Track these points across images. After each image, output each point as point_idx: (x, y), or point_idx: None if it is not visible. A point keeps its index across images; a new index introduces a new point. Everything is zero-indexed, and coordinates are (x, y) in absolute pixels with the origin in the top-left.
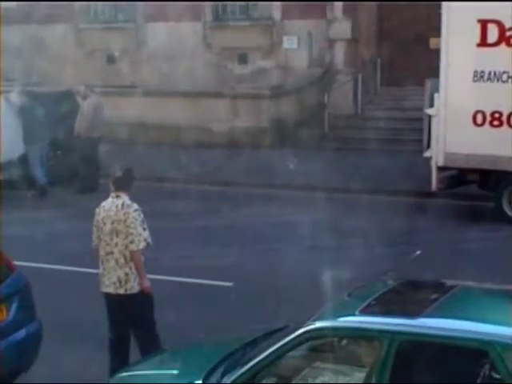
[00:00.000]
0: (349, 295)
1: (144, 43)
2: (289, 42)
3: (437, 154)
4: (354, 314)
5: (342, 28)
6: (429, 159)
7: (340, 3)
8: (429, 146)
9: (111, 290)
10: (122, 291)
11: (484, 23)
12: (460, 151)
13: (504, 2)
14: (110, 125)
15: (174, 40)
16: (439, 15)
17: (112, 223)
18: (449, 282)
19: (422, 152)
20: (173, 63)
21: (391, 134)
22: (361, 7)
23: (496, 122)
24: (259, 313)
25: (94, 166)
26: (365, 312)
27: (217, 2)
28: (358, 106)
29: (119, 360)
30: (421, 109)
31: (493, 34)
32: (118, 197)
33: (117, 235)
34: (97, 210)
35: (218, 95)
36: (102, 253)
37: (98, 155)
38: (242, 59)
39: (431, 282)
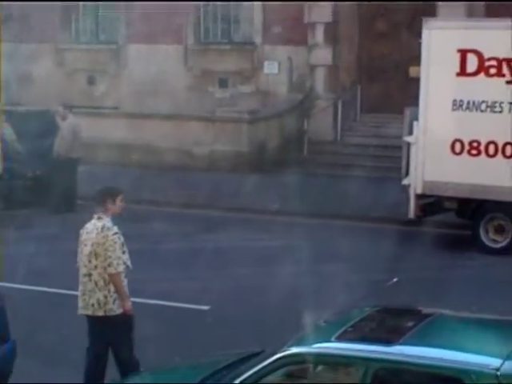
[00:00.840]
0: (325, 321)
1: (125, 65)
2: (269, 67)
3: (415, 182)
4: (330, 341)
5: (323, 54)
6: (407, 187)
7: (321, 29)
8: (407, 173)
9: (89, 311)
10: (101, 313)
11: (464, 53)
12: (438, 179)
13: (483, 31)
14: (90, 146)
15: (156, 62)
16: (419, 44)
17: (92, 245)
18: (425, 310)
19: (400, 179)
20: (154, 85)
21: (370, 161)
22: (342, 34)
23: (474, 151)
24: (236, 337)
25: (72, 187)
26: (341, 338)
27: (199, 25)
28: (338, 132)
29: (94, 379)
30: (400, 136)
31: (472, 63)
32: (99, 218)
33: (96, 258)
34: (80, 231)
35: (198, 118)
36: (80, 274)
37: (76, 176)
38: (223, 83)
39: (408, 310)
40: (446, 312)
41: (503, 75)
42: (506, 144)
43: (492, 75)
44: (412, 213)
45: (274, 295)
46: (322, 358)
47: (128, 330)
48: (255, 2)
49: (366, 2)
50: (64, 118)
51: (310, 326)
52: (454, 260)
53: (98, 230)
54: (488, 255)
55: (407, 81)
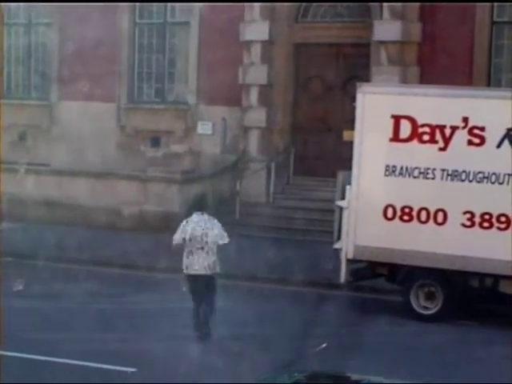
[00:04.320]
0: None
1: (57, 121)
2: (203, 128)
3: (347, 246)
4: None
5: (257, 116)
6: (339, 251)
7: (256, 91)
8: (339, 237)
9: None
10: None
11: (397, 119)
12: (370, 244)
13: (417, 97)
14: (15, 203)
15: (88, 119)
16: (353, 108)
17: (203, 229)
18: (354, 376)
19: (332, 243)
20: (85, 142)
21: (302, 224)
22: (276, 96)
23: (406, 217)
24: None
25: None
26: None
27: (132, 84)
28: (270, 194)
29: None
30: (333, 200)
31: (405, 129)
32: (202, 213)
33: (207, 236)
34: (184, 223)
35: (128, 177)
36: (194, 247)
37: None
38: (155, 142)
39: (337, 376)
40: (375, 378)
41: (436, 142)
42: (437, 211)
43: (425, 142)
44: (343, 277)
45: (199, 358)
46: None
47: None
48: (189, 63)
49: (303, 64)
50: None
51: None
52: (384, 326)
53: (205, 220)
54: (419, 322)
55: (341, 144)
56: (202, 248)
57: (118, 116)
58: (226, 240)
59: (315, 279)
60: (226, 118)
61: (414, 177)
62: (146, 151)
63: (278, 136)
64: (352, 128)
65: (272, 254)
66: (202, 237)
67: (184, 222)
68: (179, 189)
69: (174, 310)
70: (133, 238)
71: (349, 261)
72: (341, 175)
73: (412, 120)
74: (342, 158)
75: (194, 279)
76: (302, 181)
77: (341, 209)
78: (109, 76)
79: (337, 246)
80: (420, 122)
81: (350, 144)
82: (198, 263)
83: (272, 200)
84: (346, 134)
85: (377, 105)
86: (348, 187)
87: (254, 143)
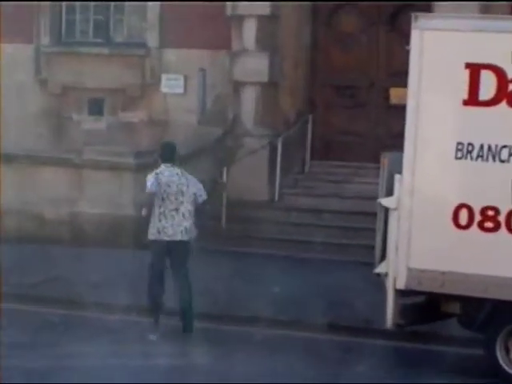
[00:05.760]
0: None
1: None
2: (170, 84)
3: (396, 270)
4: None
5: (255, 65)
6: (382, 277)
7: (253, 27)
8: (383, 256)
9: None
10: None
11: (475, 69)
12: (432, 267)
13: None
14: None
15: None
16: (406, 53)
17: (177, 186)
18: None
19: (372, 265)
20: None
21: (323, 235)
22: (283, 34)
23: (489, 224)
24: None
25: None
26: None
27: (58, 16)
28: (276, 188)
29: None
30: (373, 197)
31: (488, 86)
32: (172, 166)
33: (182, 195)
34: (149, 177)
35: (54, 162)
36: (167, 209)
37: None
38: (95, 107)
39: None
40: None
41: None
42: None
43: None
44: (390, 319)
45: None
46: None
47: None
48: None
49: None
50: None
51: None
52: None
53: (178, 175)
54: None
55: (386, 110)
56: (177, 209)
57: (37, 65)
58: (205, 196)
59: (344, 321)
60: (205, 69)
61: (502, 161)
62: (82, 121)
63: (288, 97)
64: (403, 85)
65: (279, 283)
66: (177, 195)
67: (153, 175)
68: (133, 179)
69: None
70: (61, 256)
71: (399, 292)
72: (387, 159)
73: (499, 72)
74: (388, 132)
75: (166, 246)
76: (325, 167)
77: (386, 211)
78: (22, 3)
79: (380, 269)
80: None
81: (401, 110)
82: (173, 227)
83: (278, 197)
84: (393, 94)
85: (443, 48)
86: (398, 177)
87: (249, 108)
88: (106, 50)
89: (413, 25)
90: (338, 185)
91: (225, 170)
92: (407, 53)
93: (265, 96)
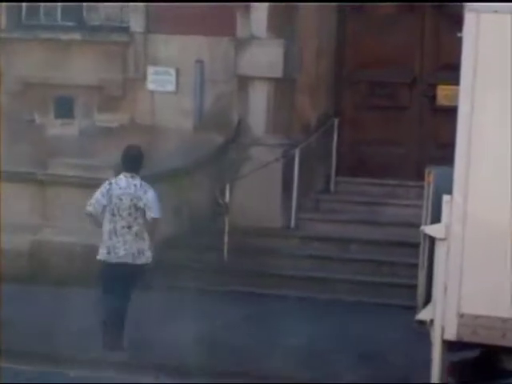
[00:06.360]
0: None
1: None
2: (159, 79)
3: (443, 317)
4: None
5: (266, 57)
6: (427, 326)
7: (264, 9)
8: (428, 299)
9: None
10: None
11: None
12: (491, 313)
13: None
14: None
15: None
16: (458, 40)
17: (131, 200)
18: None
19: (412, 311)
20: None
21: (351, 271)
22: (305, 18)
23: None
24: None
25: None
26: None
27: None
28: (292, 212)
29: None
30: (414, 224)
31: None
32: (132, 177)
33: (136, 210)
34: (106, 186)
35: (13, 179)
36: (118, 226)
37: None
38: (65, 108)
39: None
40: None
41: None
42: None
43: None
44: (436, 378)
45: None
46: None
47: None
48: None
49: None
50: None
51: None
52: None
53: (136, 187)
54: None
55: (432, 113)
56: (130, 227)
57: None
58: (157, 214)
59: (377, 380)
60: (203, 61)
61: None
62: (47, 125)
63: (308, 96)
64: (454, 82)
65: (296, 332)
66: (131, 210)
67: (106, 185)
68: None
69: None
70: (18, 296)
71: (447, 345)
72: (432, 175)
73: None
74: (434, 142)
75: (114, 269)
76: (355, 186)
77: (432, 242)
78: None
79: (423, 315)
80: None
81: (451, 113)
82: (125, 247)
83: (294, 224)
84: (442, 94)
85: (504, 35)
86: (447, 199)
87: (259, 110)
88: (77, 36)
89: (467, 6)
90: (371, 208)
91: (227, 188)
92: (459, 41)
93: (279, 95)
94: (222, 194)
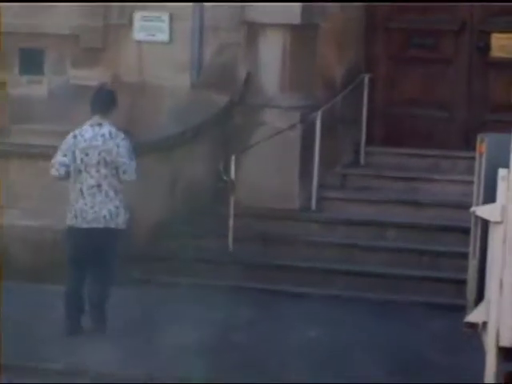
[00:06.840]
0: None
1: None
2: (148, 27)
3: (499, 319)
4: None
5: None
6: (479, 330)
7: None
8: (480, 297)
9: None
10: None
11: None
12: None
13: None
14: None
15: None
16: None
17: (99, 154)
18: None
19: (460, 311)
20: None
21: (386, 262)
22: None
23: None
24: None
25: None
26: None
27: None
28: (313, 190)
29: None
30: (463, 205)
31: None
32: (99, 125)
33: (105, 166)
34: (68, 140)
35: None
36: (85, 186)
37: None
38: (33, 63)
39: None
40: None
41: None
42: None
43: None
44: None
45: None
46: None
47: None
48: None
49: None
50: None
51: None
52: None
53: (104, 137)
54: None
55: (484, 67)
56: (99, 186)
57: None
58: (133, 176)
59: None
60: (203, 4)
61: None
62: (10, 83)
63: (332, 47)
64: None
65: (318, 335)
66: (99, 166)
67: (69, 139)
68: None
69: None
70: None
71: (503, 352)
72: (485, 144)
73: None
74: (487, 103)
75: (82, 235)
76: (390, 157)
77: (486, 226)
78: None
79: (474, 317)
80: None
81: (508, 67)
82: (94, 210)
83: (316, 205)
84: (497, 43)
85: None
86: (503, 173)
87: (272, 65)
88: None
89: None
90: (409, 185)
91: (233, 160)
92: None
93: (296, 46)
94: (227, 168)
